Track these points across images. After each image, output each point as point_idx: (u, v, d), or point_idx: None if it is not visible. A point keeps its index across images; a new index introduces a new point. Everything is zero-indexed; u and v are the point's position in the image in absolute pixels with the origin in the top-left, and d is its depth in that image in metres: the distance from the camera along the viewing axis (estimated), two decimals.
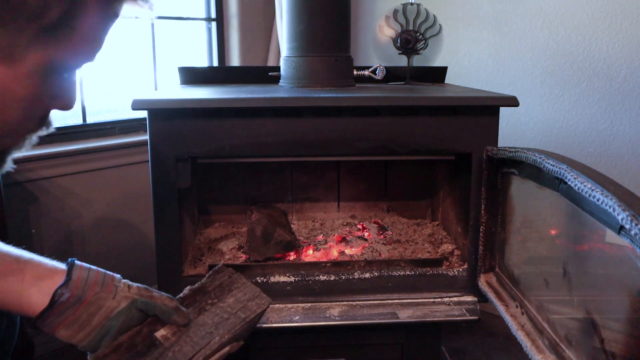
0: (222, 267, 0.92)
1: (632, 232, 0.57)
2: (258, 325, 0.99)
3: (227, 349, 0.80)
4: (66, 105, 0.66)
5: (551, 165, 0.80)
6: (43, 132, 0.67)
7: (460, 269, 1.21)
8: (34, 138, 0.67)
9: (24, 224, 1.71)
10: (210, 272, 0.92)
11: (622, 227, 0.62)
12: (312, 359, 1.28)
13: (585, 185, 0.68)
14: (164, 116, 1.09)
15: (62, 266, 0.83)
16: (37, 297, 0.80)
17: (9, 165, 0.69)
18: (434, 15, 1.56)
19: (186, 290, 0.88)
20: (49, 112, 0.66)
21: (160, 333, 0.81)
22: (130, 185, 1.93)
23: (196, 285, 0.89)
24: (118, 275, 0.84)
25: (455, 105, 1.13)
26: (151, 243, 1.14)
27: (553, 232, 0.96)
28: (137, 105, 1.06)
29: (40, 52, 0.59)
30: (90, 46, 0.63)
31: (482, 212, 1.12)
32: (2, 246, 0.83)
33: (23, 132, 0.66)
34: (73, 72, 0.66)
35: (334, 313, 1.16)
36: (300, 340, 1.27)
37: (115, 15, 0.63)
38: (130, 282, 0.84)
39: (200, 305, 0.85)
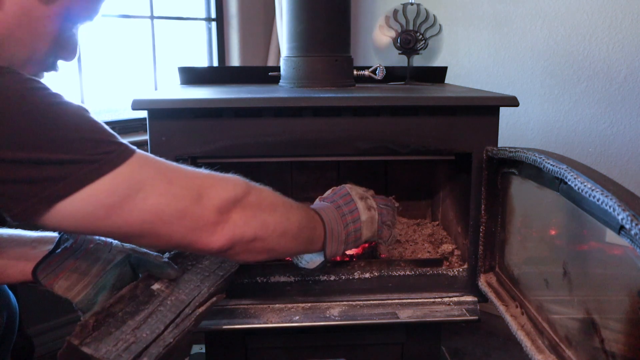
0: None
1: (632, 232, 0.57)
2: (258, 325, 1.11)
3: (214, 299, 0.93)
4: (70, 56, 0.79)
5: (551, 165, 0.80)
6: (51, 72, 0.79)
7: (460, 269, 1.21)
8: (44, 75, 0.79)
9: (24, 224, 1.71)
10: None
11: (622, 227, 0.62)
12: (312, 359, 1.28)
13: (585, 185, 0.68)
14: (164, 116, 1.09)
15: (54, 232, 0.90)
16: (37, 257, 0.85)
17: None
18: (434, 15, 1.56)
19: (167, 255, 0.97)
20: (57, 59, 0.78)
21: (155, 286, 0.89)
22: None
23: (173, 252, 0.98)
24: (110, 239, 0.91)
25: (455, 105, 1.13)
26: None
27: (553, 232, 0.96)
28: (137, 105, 1.06)
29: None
30: (94, 7, 0.78)
31: (482, 212, 1.12)
32: None
33: (42, 66, 0.77)
34: (77, 29, 0.80)
35: (334, 313, 1.16)
36: (300, 340, 1.27)
37: None
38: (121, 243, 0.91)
39: (182, 267, 0.94)
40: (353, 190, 1.08)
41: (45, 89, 0.68)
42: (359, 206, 1.04)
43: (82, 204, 0.67)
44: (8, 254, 0.86)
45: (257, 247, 0.82)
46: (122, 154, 0.69)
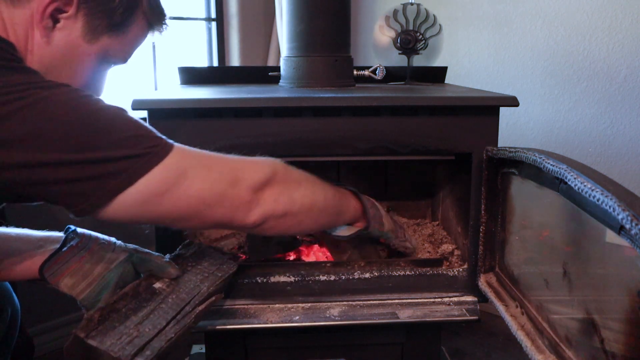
0: (190, 241, 1.08)
1: (632, 232, 0.57)
2: (258, 325, 1.12)
3: (213, 298, 0.96)
4: (97, 93, 0.89)
5: (551, 165, 0.80)
6: None
7: (460, 269, 1.21)
8: None
9: (24, 224, 1.71)
10: (181, 245, 1.06)
11: (622, 227, 0.62)
12: (312, 359, 1.28)
13: (585, 185, 0.68)
14: (164, 116, 1.09)
15: (60, 233, 0.95)
16: (43, 255, 0.89)
17: None
18: (434, 15, 1.56)
19: (167, 256, 1.00)
20: None
21: (157, 285, 0.93)
22: None
23: (174, 253, 1.02)
24: (113, 238, 0.96)
25: (455, 105, 1.13)
26: (152, 243, 1.14)
27: (553, 232, 0.96)
28: (137, 105, 1.06)
29: (105, 41, 0.83)
30: (129, 50, 0.89)
31: (482, 212, 1.12)
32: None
33: None
34: (108, 70, 0.90)
35: (334, 313, 1.16)
36: (300, 340, 1.27)
37: (150, 31, 0.90)
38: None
39: (182, 267, 0.98)
40: None
41: (91, 96, 0.75)
42: (376, 204, 1.12)
43: (138, 195, 0.74)
44: (16, 253, 0.91)
45: (288, 221, 0.89)
46: (166, 147, 0.77)
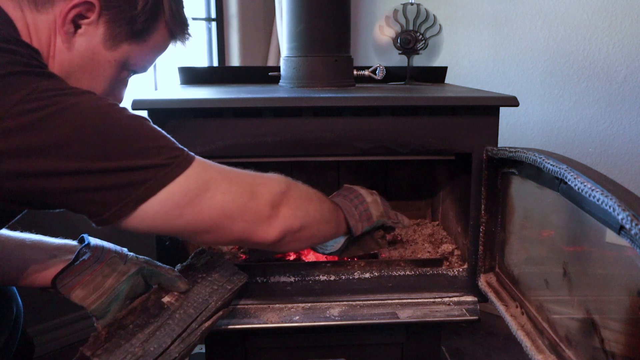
0: (203, 250, 1.07)
1: (632, 232, 0.57)
2: (258, 325, 1.13)
3: (220, 312, 0.97)
4: (116, 100, 0.88)
5: (551, 165, 0.80)
6: None
7: (460, 269, 1.21)
8: None
9: (25, 224, 1.71)
10: (193, 253, 1.06)
11: (622, 227, 0.62)
12: (312, 359, 1.28)
13: (585, 185, 0.68)
14: (164, 116, 1.09)
15: (74, 241, 0.97)
16: (57, 266, 0.91)
17: None
18: (434, 15, 1.56)
19: (178, 266, 1.02)
20: None
21: (166, 299, 0.93)
22: None
23: (186, 263, 1.03)
24: (125, 249, 0.96)
25: (455, 105, 1.13)
26: (152, 243, 1.14)
27: (553, 232, 0.96)
28: (137, 105, 1.06)
29: (126, 48, 0.83)
30: (150, 58, 0.89)
31: (482, 212, 1.12)
32: (12, 233, 0.95)
33: None
34: (129, 78, 0.90)
35: (334, 313, 1.16)
36: (300, 340, 1.27)
37: (172, 40, 0.91)
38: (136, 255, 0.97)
39: (192, 279, 0.98)
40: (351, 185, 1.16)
41: (116, 104, 0.74)
42: (361, 192, 1.10)
43: (160, 206, 0.73)
44: (31, 261, 0.92)
45: (304, 235, 0.89)
46: (188, 158, 0.76)
